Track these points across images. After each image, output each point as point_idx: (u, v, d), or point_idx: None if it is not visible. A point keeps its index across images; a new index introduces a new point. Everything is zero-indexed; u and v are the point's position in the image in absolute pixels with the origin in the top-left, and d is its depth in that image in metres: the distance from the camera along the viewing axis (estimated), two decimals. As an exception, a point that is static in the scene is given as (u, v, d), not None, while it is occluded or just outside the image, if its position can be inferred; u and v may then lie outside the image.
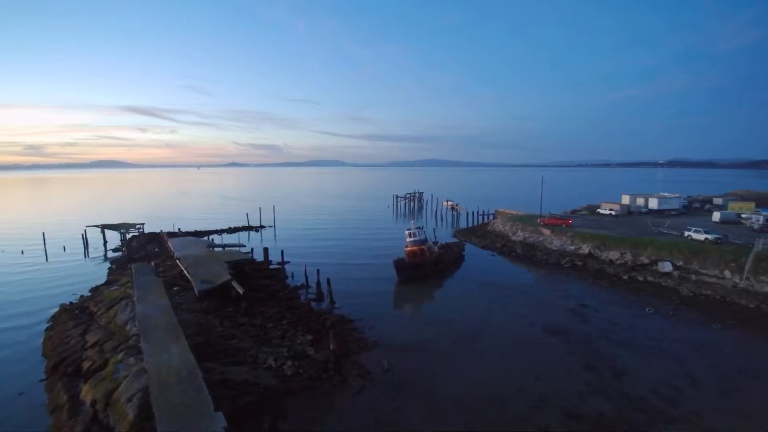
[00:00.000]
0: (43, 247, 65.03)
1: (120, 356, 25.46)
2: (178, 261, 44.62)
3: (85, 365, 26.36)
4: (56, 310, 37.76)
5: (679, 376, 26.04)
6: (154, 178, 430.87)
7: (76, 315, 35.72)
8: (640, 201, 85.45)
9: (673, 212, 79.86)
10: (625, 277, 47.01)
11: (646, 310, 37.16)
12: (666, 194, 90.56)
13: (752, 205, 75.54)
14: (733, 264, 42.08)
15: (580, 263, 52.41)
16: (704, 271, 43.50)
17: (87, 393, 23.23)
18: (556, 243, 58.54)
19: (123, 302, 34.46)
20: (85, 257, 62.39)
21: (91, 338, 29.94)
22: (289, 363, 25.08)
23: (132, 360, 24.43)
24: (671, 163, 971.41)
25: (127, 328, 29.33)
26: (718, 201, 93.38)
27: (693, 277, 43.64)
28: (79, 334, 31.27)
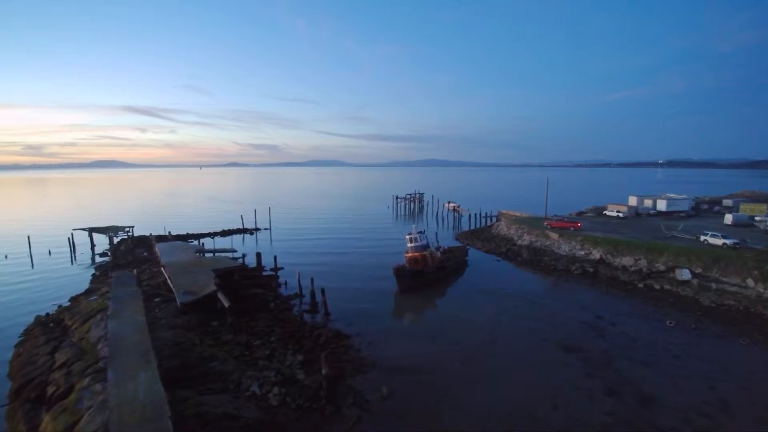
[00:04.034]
0: (28, 251, 62.26)
1: (86, 381, 22.62)
2: (163, 268, 41.79)
3: (50, 390, 23.60)
4: (31, 322, 34.98)
5: (711, 402, 23.44)
6: (154, 179, 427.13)
7: (49, 329, 32.85)
8: (648, 202, 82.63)
9: (682, 214, 77.23)
10: (641, 285, 44.21)
11: (667, 323, 34.35)
12: (674, 195, 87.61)
13: (764, 207, 72.79)
14: (756, 272, 39.32)
15: (591, 269, 49.56)
16: (725, 280, 40.68)
17: (47, 425, 20.43)
18: (564, 248, 55.67)
19: (99, 316, 31.54)
20: (71, 262, 59.62)
21: (60, 357, 27.06)
22: (276, 390, 22.21)
23: (98, 387, 21.58)
24: (671, 163, 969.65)
25: (99, 347, 26.45)
26: (727, 202, 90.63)
27: (713, 285, 40.82)
28: (48, 352, 28.44)
